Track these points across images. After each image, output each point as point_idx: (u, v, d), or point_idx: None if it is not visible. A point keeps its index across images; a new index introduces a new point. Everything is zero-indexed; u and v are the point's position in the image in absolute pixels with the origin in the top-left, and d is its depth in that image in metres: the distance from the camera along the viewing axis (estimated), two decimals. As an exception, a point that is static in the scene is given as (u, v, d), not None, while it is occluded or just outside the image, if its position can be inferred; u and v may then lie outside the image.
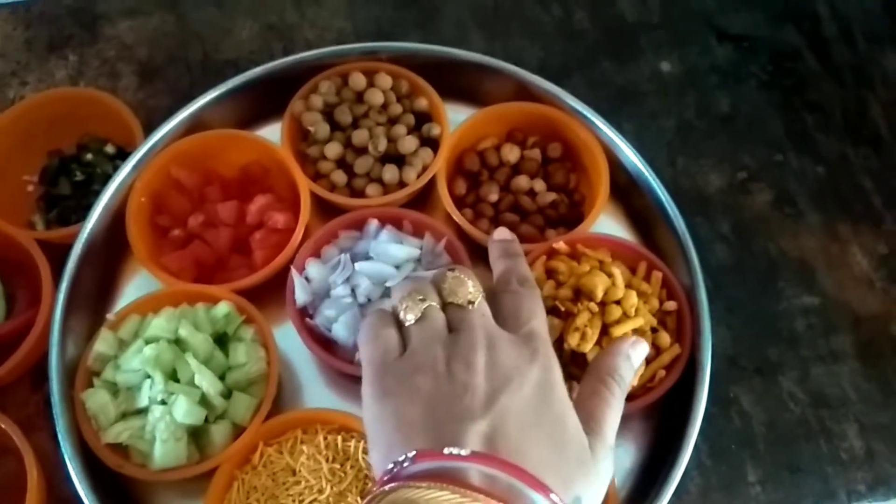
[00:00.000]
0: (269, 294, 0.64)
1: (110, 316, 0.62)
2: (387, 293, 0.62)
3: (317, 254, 0.65)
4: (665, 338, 0.60)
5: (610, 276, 0.59)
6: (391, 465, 0.37)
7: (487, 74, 0.71)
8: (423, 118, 0.70)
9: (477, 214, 0.67)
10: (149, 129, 0.68)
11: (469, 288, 0.43)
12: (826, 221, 0.71)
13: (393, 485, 0.35)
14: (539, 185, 0.68)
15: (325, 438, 0.59)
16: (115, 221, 0.65)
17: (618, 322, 0.58)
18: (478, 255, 0.63)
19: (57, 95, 0.73)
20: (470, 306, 0.43)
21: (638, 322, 0.58)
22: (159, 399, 0.58)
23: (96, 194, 0.66)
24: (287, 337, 0.62)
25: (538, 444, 0.38)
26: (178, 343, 0.60)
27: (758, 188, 0.73)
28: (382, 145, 0.67)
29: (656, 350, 0.60)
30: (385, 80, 0.70)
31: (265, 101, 0.71)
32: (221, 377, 0.60)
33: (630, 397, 0.46)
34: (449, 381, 0.39)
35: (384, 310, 0.44)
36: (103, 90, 0.74)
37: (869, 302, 0.68)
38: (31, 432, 0.59)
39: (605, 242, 0.64)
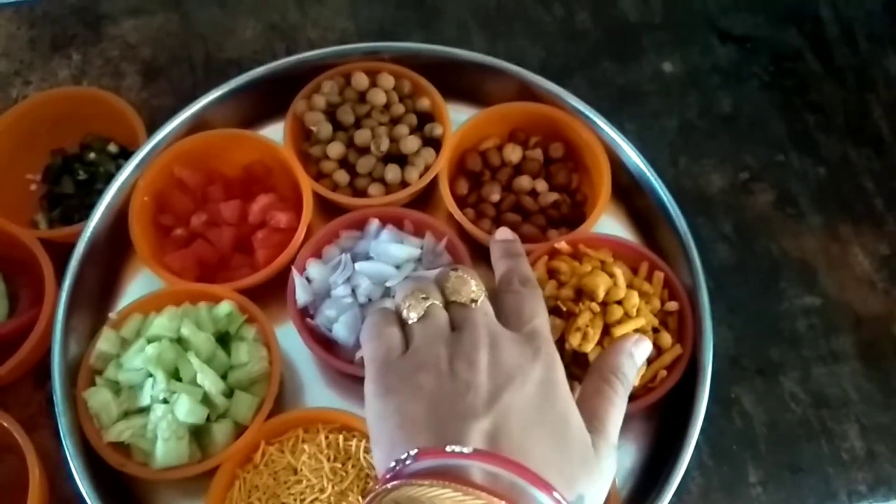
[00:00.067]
0: (272, 293, 0.64)
1: (113, 315, 0.62)
2: (387, 293, 0.62)
3: (318, 254, 0.65)
4: (666, 338, 0.60)
5: (612, 276, 0.59)
6: (393, 463, 0.37)
7: (489, 74, 0.71)
8: (426, 118, 0.70)
9: (479, 214, 0.67)
10: (152, 129, 0.68)
11: (472, 287, 0.43)
12: (828, 222, 0.71)
13: (395, 483, 0.35)
14: (541, 185, 0.68)
15: (327, 438, 0.59)
16: (118, 220, 0.66)
17: (619, 322, 0.58)
18: (479, 255, 0.63)
19: (60, 95, 0.73)
20: (473, 305, 0.43)
21: (639, 322, 0.58)
22: (161, 398, 0.58)
23: (99, 193, 0.66)
24: (289, 336, 0.62)
25: (541, 442, 0.38)
26: (180, 342, 0.60)
27: (759, 188, 0.73)
28: (385, 145, 0.67)
29: (658, 350, 0.60)
30: (387, 80, 0.70)
31: (268, 100, 0.71)
32: (223, 376, 0.60)
33: (631, 397, 0.46)
34: (451, 378, 0.39)
35: (387, 308, 0.44)
36: (106, 89, 0.74)
37: (870, 303, 0.68)
38: (33, 431, 0.59)
39: (606, 242, 0.64)
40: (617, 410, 0.42)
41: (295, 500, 0.57)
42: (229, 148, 0.69)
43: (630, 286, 0.60)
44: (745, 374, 0.66)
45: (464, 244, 0.64)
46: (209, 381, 0.58)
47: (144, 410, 0.59)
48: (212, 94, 0.69)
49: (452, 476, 0.35)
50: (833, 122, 0.75)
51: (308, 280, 0.63)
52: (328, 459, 0.58)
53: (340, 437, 0.58)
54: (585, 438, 0.39)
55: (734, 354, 0.66)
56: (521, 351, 0.41)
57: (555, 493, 0.36)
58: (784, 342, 0.67)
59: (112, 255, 0.67)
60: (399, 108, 0.69)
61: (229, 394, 0.60)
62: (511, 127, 0.71)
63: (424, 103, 0.70)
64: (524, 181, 0.68)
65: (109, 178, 0.67)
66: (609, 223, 0.69)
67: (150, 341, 0.59)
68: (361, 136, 0.67)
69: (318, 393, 0.64)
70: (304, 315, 0.63)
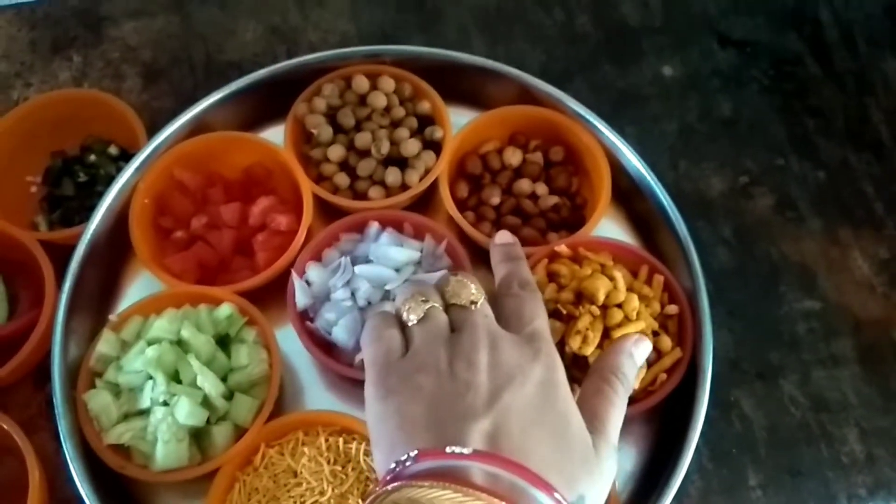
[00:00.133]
0: (272, 296, 0.64)
1: (113, 317, 0.62)
2: (387, 296, 0.62)
3: (317, 257, 0.65)
4: (666, 341, 0.60)
5: (611, 279, 0.59)
6: (393, 465, 0.37)
7: (490, 78, 0.71)
8: (426, 121, 0.70)
9: (479, 217, 0.67)
10: (152, 131, 0.68)
11: (472, 290, 0.44)
12: (827, 226, 0.72)
13: (395, 484, 0.35)
14: (541, 188, 0.68)
15: (327, 440, 0.59)
16: (118, 223, 0.66)
17: (619, 325, 0.58)
18: (479, 259, 0.63)
19: (61, 97, 0.73)
20: (472, 307, 0.43)
21: (639, 326, 0.58)
22: (161, 400, 0.58)
23: (99, 195, 0.66)
24: (289, 339, 0.62)
25: (541, 443, 0.37)
26: (180, 344, 0.60)
27: (759, 192, 0.73)
28: (385, 148, 0.67)
29: (657, 354, 0.60)
30: (388, 83, 0.70)
31: (268, 103, 0.71)
32: (223, 379, 0.60)
33: (631, 401, 0.45)
34: (451, 379, 0.39)
35: (387, 311, 0.44)
36: (107, 91, 0.74)
37: (870, 306, 0.68)
38: (33, 433, 0.59)
39: (606, 246, 0.64)
40: (617, 411, 0.42)
41: (295, 502, 0.57)
42: (230, 150, 0.69)
43: (630, 289, 0.60)
44: (744, 378, 0.66)
45: (464, 247, 0.64)
46: (209, 383, 0.58)
47: (144, 413, 0.58)
48: (212, 97, 0.69)
49: (452, 477, 0.35)
50: (833, 125, 0.76)
51: (308, 283, 0.63)
52: (328, 462, 0.58)
53: (340, 440, 0.58)
54: (586, 439, 0.39)
55: (734, 358, 0.66)
56: (521, 352, 0.41)
57: (555, 494, 0.35)
58: (784, 346, 0.67)
59: (112, 258, 0.67)
60: (399, 111, 0.69)
61: (229, 396, 0.60)
62: (511, 130, 0.71)
63: (425, 106, 0.70)
64: (524, 184, 0.68)
65: (110, 180, 0.67)
66: (609, 227, 0.69)
67: (150, 343, 0.59)
68: (362, 139, 0.67)
69: (317, 396, 0.64)
70: (304, 318, 0.63)
